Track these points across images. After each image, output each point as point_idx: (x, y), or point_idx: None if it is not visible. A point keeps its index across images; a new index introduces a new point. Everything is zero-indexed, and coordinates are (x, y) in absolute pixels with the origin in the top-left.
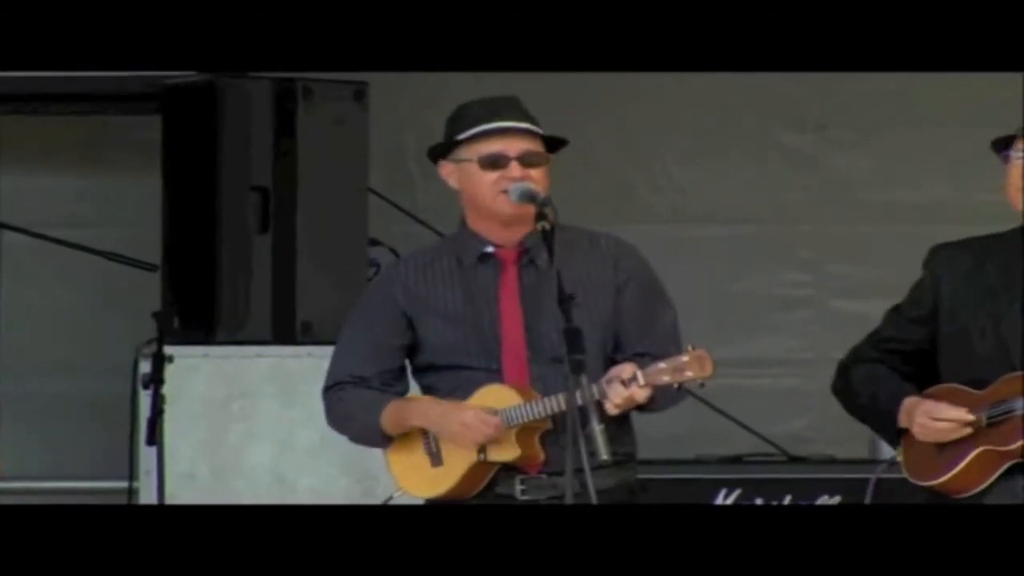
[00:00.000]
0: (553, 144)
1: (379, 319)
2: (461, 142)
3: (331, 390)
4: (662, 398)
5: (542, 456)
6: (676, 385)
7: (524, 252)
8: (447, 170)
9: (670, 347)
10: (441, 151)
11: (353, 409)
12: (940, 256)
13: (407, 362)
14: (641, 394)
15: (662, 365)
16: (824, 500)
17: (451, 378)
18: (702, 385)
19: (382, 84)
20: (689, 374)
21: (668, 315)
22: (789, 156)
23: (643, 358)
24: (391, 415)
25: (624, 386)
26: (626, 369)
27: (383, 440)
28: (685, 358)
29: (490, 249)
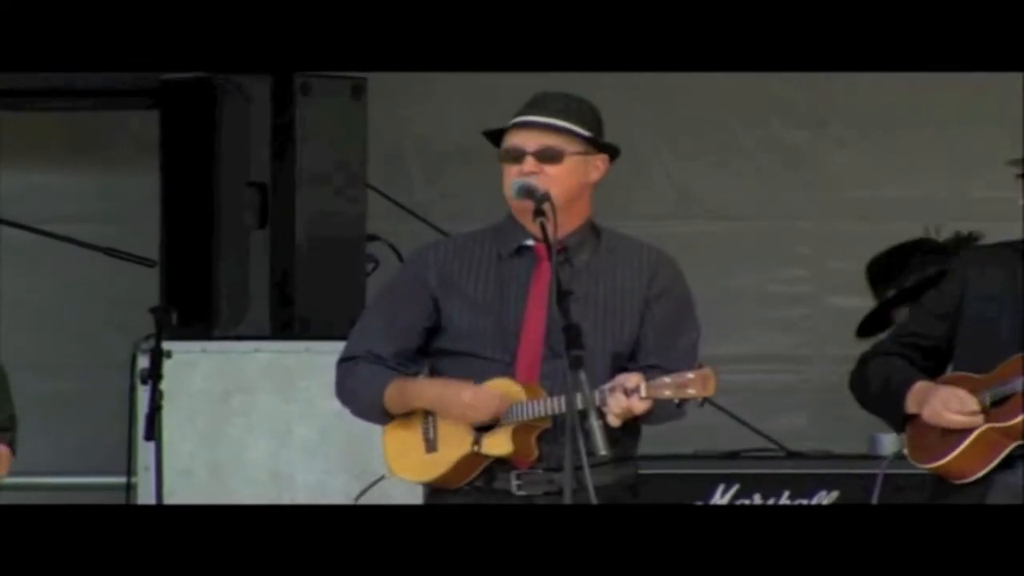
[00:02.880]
0: (601, 146)
1: (407, 298)
2: (500, 137)
3: (346, 362)
4: (661, 412)
5: (535, 453)
6: (677, 401)
7: (563, 249)
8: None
9: (684, 366)
10: (493, 141)
11: (361, 384)
12: (971, 256)
13: (426, 344)
14: (640, 406)
15: (666, 379)
16: (822, 496)
17: (464, 365)
18: (703, 403)
19: (380, 80)
20: (691, 391)
21: (691, 335)
22: (787, 153)
23: (653, 371)
24: (393, 393)
25: (625, 396)
26: (631, 379)
27: (385, 417)
28: (690, 375)
29: (529, 242)
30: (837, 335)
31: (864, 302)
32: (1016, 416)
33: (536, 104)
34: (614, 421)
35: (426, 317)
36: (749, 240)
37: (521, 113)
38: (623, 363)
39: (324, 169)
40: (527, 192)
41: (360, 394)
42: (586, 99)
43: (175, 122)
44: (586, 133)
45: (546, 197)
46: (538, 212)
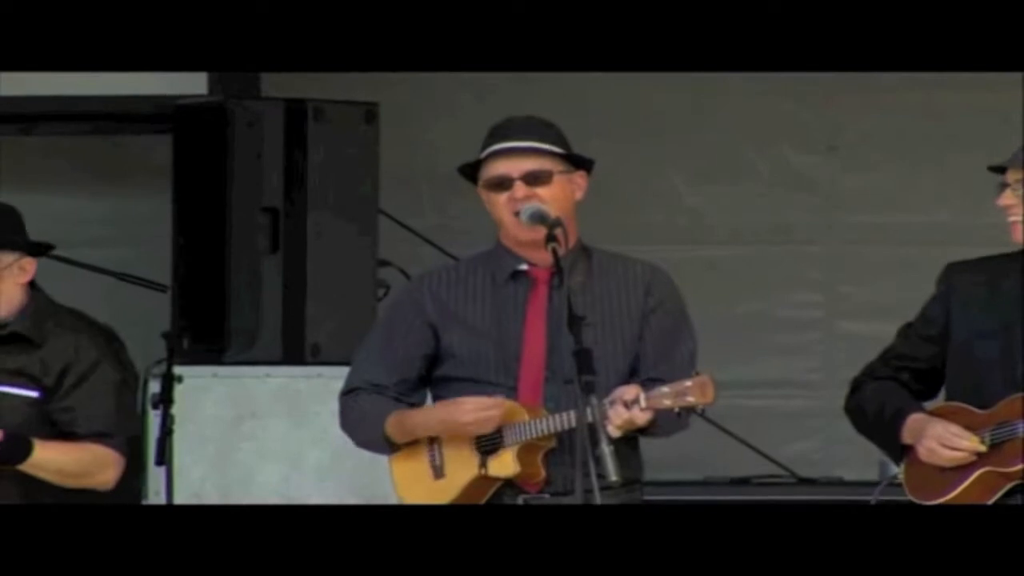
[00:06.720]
0: (578, 162)
1: (404, 328)
2: (478, 166)
3: (348, 395)
4: (665, 423)
5: (542, 474)
6: (677, 410)
7: (557, 272)
8: (481, 194)
9: (684, 376)
10: (468, 176)
11: (364, 415)
12: (954, 275)
13: (427, 373)
14: (641, 417)
15: (665, 389)
16: None
17: (467, 391)
18: (703, 411)
19: (392, 105)
20: (691, 399)
21: (688, 345)
22: (799, 177)
23: (654, 383)
24: (395, 424)
25: (626, 408)
26: (629, 391)
27: (389, 447)
28: (688, 383)
29: (523, 267)
30: (849, 360)
31: (875, 326)
32: (1016, 462)
33: (504, 131)
34: (615, 432)
35: (425, 345)
36: (760, 264)
37: (492, 143)
38: (626, 379)
39: (336, 194)
40: (539, 218)
41: (363, 425)
42: (544, 119)
43: (188, 147)
44: (560, 151)
45: (558, 222)
46: (550, 238)
